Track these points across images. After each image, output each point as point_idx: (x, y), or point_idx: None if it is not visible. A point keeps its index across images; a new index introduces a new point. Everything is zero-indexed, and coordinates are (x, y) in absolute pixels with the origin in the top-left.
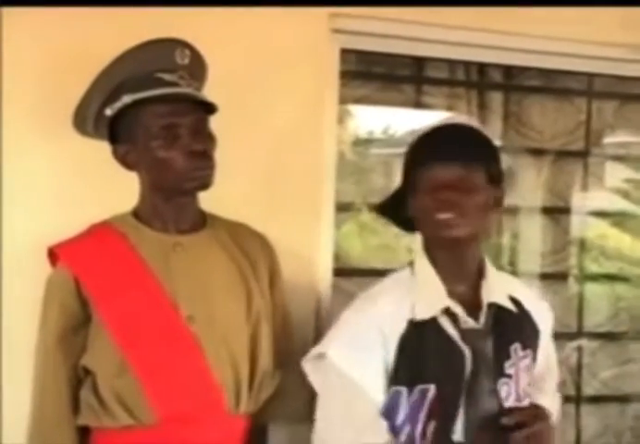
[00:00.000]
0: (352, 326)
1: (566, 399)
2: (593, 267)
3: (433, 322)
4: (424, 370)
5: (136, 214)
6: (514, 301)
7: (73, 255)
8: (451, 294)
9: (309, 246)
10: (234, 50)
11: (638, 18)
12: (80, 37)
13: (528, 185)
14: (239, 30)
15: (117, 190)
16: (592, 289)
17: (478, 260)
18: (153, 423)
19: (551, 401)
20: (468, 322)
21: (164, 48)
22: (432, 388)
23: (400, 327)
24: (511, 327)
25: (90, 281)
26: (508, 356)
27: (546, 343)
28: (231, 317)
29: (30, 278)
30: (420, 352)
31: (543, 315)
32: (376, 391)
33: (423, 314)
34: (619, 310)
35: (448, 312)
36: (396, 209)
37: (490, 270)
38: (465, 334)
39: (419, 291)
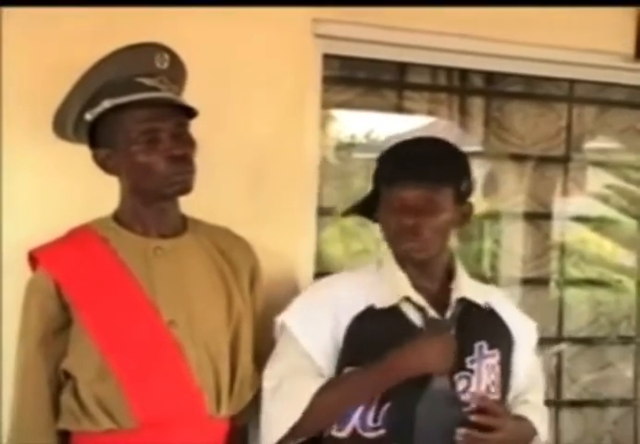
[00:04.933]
0: (309, 299)
1: (546, 403)
2: (573, 272)
3: (395, 309)
4: (380, 353)
5: (117, 217)
6: (485, 304)
7: (53, 259)
8: (417, 289)
9: (291, 250)
10: (216, 54)
11: (619, 24)
12: (76, 44)
13: (509, 190)
14: (221, 35)
15: (99, 193)
16: (572, 294)
17: (446, 264)
18: (134, 427)
19: (539, 415)
20: (431, 313)
21: (143, 53)
22: None
23: (355, 310)
24: (478, 325)
25: (70, 285)
26: (471, 352)
27: (527, 357)
28: (212, 321)
29: (14, 283)
30: (377, 336)
31: (524, 329)
32: (323, 360)
33: (383, 302)
34: (599, 315)
35: (412, 302)
36: (367, 210)
37: (462, 274)
38: (428, 323)
39: (383, 282)
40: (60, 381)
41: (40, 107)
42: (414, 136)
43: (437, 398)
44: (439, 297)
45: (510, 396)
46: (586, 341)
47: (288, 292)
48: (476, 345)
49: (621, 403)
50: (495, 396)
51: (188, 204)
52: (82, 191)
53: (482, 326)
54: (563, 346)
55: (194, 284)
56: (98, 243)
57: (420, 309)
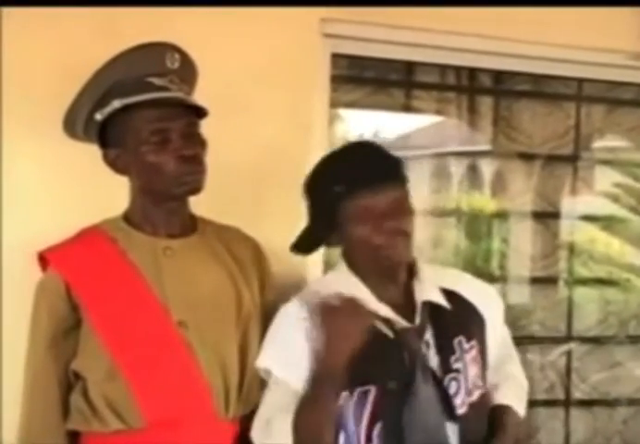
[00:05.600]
0: (283, 334)
1: (555, 403)
2: (582, 271)
3: None
4: (362, 372)
5: (126, 218)
6: (451, 294)
7: (63, 260)
8: (381, 298)
9: None
10: (225, 54)
11: (628, 23)
12: (78, 44)
13: (518, 189)
14: (230, 35)
15: (108, 194)
16: (581, 294)
17: (409, 264)
18: (143, 427)
19: (520, 391)
20: (401, 323)
21: (154, 52)
22: (372, 390)
23: None
24: (452, 322)
25: (80, 286)
26: (452, 351)
27: (497, 328)
28: (221, 322)
29: (21, 283)
30: (354, 356)
31: (489, 301)
32: None
33: None
34: (608, 314)
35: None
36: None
37: (422, 268)
38: (399, 334)
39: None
40: (70, 382)
41: (41, 106)
42: (344, 145)
43: (423, 406)
44: (405, 299)
45: (491, 371)
46: (595, 340)
47: (297, 291)
48: (455, 342)
49: (631, 403)
50: (480, 389)
51: (195, 204)
52: (84, 190)
53: (455, 321)
54: (572, 345)
55: (204, 284)
56: (107, 244)
57: (386, 321)
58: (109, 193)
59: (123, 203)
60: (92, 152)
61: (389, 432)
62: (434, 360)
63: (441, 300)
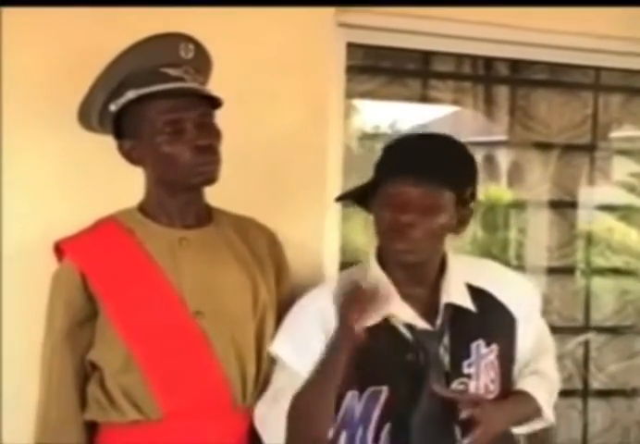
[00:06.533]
0: (297, 323)
1: (573, 393)
2: (599, 261)
3: (385, 323)
4: (376, 372)
5: (142, 209)
6: (480, 292)
7: (79, 250)
8: (407, 297)
9: (316, 240)
10: (240, 44)
11: None
12: (82, 34)
13: (535, 179)
14: (245, 25)
15: (123, 184)
16: (598, 283)
17: (438, 263)
18: (160, 418)
19: (546, 387)
20: (420, 324)
21: (168, 43)
22: (385, 390)
23: None
24: (473, 325)
25: (96, 276)
26: (467, 355)
27: (530, 325)
28: (238, 312)
29: (35, 273)
30: (369, 355)
31: (523, 297)
32: None
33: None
34: (625, 304)
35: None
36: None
37: (452, 265)
38: (418, 336)
39: None
40: (87, 372)
41: (47, 100)
42: (427, 131)
43: (433, 410)
44: (431, 301)
45: (517, 368)
46: (613, 330)
47: (313, 283)
48: (473, 346)
49: None
50: (493, 394)
51: (213, 194)
52: (97, 182)
53: (478, 324)
54: (590, 335)
55: (220, 275)
56: (124, 234)
57: (408, 323)
58: (123, 184)
59: (137, 195)
60: (106, 142)
61: (398, 433)
62: (447, 363)
63: (467, 302)
